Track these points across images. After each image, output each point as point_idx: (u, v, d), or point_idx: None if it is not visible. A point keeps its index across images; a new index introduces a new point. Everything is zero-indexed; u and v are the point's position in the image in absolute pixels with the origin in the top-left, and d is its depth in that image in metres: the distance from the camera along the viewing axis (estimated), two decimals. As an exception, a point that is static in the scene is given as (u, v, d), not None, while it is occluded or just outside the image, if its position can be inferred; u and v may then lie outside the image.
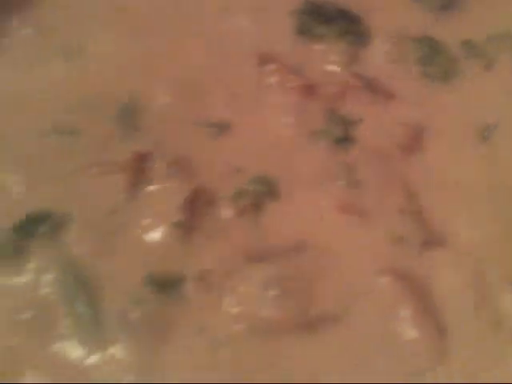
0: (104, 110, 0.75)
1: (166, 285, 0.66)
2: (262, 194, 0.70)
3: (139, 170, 0.71)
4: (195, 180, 0.71)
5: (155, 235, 0.68)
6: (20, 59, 0.79)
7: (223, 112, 0.75)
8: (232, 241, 0.68)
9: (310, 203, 0.70)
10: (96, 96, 0.76)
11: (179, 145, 0.73)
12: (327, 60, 0.77)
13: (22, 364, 0.63)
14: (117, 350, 0.63)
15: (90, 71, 0.78)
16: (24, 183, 0.71)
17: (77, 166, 0.72)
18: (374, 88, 0.75)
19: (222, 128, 0.74)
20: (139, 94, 0.76)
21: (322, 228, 0.69)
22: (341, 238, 0.68)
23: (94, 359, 0.63)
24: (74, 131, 0.74)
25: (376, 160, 0.72)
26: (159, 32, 0.80)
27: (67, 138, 0.74)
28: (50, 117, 0.75)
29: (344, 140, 0.73)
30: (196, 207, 0.69)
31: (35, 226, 0.68)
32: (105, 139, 0.74)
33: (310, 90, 0.75)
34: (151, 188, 0.70)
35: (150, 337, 0.64)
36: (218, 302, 0.65)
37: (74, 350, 0.64)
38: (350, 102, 0.74)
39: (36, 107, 0.76)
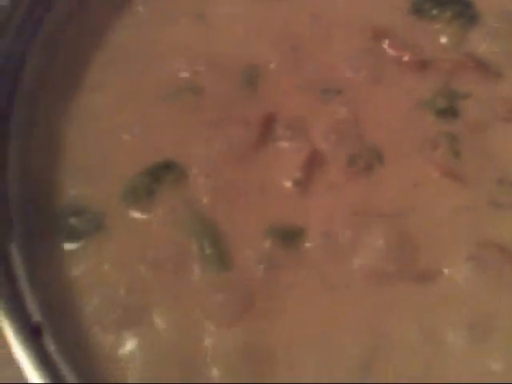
0: (227, 72, 0.79)
1: (287, 236, 0.70)
2: (371, 159, 0.75)
3: (266, 128, 0.76)
4: (312, 142, 0.75)
5: (275, 190, 0.73)
6: (147, 20, 0.84)
7: (336, 79, 0.80)
8: (343, 200, 0.73)
9: (413, 168, 0.75)
10: (219, 57, 0.80)
11: (297, 108, 0.77)
12: (439, 40, 0.82)
13: (149, 298, 0.67)
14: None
15: (213, 34, 0.82)
16: (154, 135, 0.76)
17: (202, 121, 0.76)
18: (484, 67, 0.80)
19: (335, 94, 0.79)
20: (259, 58, 0.80)
21: (424, 191, 0.73)
22: (442, 202, 0.73)
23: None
24: (198, 89, 0.78)
25: (477, 133, 0.77)
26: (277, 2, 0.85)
27: (192, 96, 0.78)
28: (176, 74, 0.80)
29: (449, 112, 0.78)
30: (313, 167, 0.74)
31: (164, 173, 0.73)
32: (228, 98, 0.78)
33: (424, 65, 0.80)
34: (274, 146, 0.75)
35: (269, 282, 0.68)
36: (335, 252, 0.70)
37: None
38: (461, 79, 0.79)
39: (162, 66, 0.80)
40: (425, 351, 0.66)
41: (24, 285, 0.62)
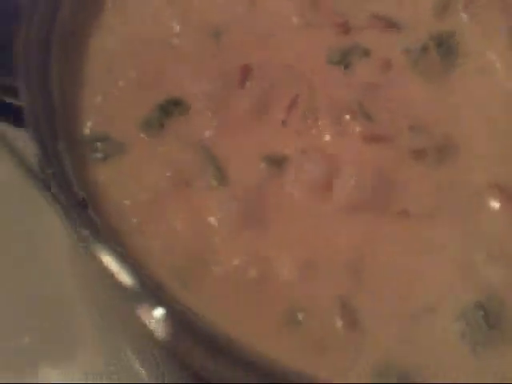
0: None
1: (275, 163, 0.83)
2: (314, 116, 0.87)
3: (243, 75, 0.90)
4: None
5: (265, 125, 0.86)
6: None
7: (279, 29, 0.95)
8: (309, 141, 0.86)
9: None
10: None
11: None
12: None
13: (167, 206, 0.79)
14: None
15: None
16: (157, 76, 0.90)
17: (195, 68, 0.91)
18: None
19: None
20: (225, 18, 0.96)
21: (354, 154, 0.83)
22: (371, 165, 0.82)
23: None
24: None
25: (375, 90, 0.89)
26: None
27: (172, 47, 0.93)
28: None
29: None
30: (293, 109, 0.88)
31: (172, 108, 0.86)
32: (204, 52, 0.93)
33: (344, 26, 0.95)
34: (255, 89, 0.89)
35: (264, 198, 0.81)
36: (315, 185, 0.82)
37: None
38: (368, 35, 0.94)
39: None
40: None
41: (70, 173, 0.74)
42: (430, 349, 0.72)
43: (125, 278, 0.65)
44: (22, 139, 0.91)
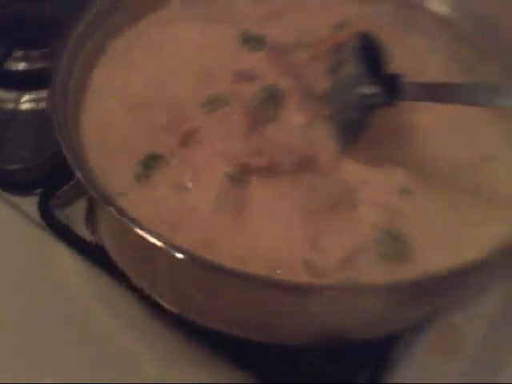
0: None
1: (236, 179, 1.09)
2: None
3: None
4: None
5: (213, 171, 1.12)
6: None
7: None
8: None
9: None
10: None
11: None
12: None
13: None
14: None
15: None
16: (134, 137, 1.14)
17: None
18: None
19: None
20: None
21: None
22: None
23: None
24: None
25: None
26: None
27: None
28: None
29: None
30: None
31: (153, 162, 1.08)
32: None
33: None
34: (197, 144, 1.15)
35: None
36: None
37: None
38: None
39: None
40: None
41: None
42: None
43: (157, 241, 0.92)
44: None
